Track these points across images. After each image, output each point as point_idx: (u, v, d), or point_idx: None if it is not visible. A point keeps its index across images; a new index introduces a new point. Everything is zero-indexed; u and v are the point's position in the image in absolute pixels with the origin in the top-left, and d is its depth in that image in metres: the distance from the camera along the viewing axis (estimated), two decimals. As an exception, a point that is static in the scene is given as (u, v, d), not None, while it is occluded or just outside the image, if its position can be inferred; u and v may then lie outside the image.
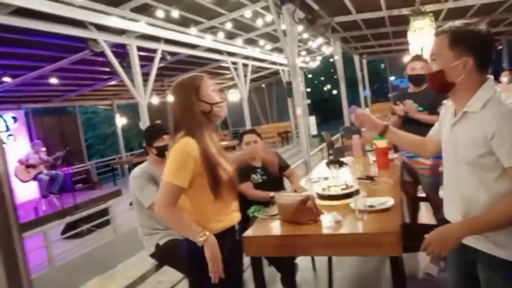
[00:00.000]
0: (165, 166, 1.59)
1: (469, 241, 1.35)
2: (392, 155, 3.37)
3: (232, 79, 12.15)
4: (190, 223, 1.59)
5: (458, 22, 1.33)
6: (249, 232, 2.02)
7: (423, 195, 3.33)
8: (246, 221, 2.92)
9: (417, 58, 3.35)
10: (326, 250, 1.90)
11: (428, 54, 1.44)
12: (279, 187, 3.09)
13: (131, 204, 3.54)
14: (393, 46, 12.14)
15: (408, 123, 3.15)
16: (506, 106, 1.23)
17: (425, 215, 3.64)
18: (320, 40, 9.64)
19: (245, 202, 2.95)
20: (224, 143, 12.52)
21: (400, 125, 3.24)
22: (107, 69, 7.38)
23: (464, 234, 1.31)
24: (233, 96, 14.08)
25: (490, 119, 1.24)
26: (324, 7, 6.55)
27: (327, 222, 1.98)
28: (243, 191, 2.95)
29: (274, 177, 3.07)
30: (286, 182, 3.38)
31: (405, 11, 6.78)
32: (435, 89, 1.43)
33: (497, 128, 1.21)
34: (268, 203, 2.89)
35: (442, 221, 2.80)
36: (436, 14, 6.64)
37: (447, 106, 1.53)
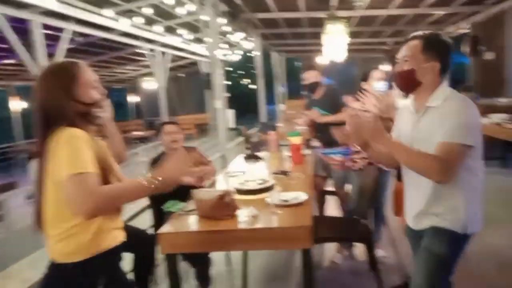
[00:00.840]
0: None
1: (418, 225, 1.64)
2: (305, 151, 3.54)
3: (148, 66, 11.63)
4: (128, 185, 1.42)
5: (428, 32, 1.58)
6: (164, 229, 1.95)
7: (331, 189, 3.56)
8: (161, 217, 2.84)
9: (310, 67, 3.57)
10: (243, 245, 1.92)
11: (399, 55, 1.61)
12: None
13: (29, 197, 3.20)
14: (310, 46, 12.74)
15: (321, 128, 3.37)
16: (461, 99, 1.50)
17: (332, 208, 3.89)
18: (241, 34, 9.70)
19: (159, 198, 2.86)
20: (138, 133, 12.02)
21: (315, 133, 3.43)
22: (4, 46, 6.52)
23: (385, 140, 1.53)
24: (149, 84, 13.53)
25: (448, 110, 1.47)
26: (247, 2, 6.59)
27: (243, 217, 2.00)
28: None
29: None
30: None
31: (321, 14, 7.13)
32: (404, 86, 1.63)
33: (447, 113, 1.46)
34: (184, 197, 2.84)
35: (348, 213, 3.03)
36: (347, 19, 7.11)
37: (401, 108, 1.77)
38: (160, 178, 1.39)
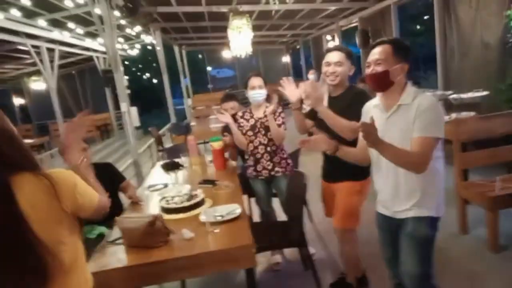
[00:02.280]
0: None
1: (398, 215, 1.79)
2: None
3: (33, 64, 10.28)
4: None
5: (394, 38, 1.80)
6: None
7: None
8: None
9: (228, 98, 3.47)
10: (181, 273, 1.78)
11: (371, 59, 1.73)
12: (114, 202, 2.75)
13: None
14: (211, 39, 12.62)
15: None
16: (428, 97, 1.67)
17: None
18: (139, 27, 9.11)
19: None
20: (29, 140, 10.55)
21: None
22: None
23: (381, 143, 1.59)
24: (37, 84, 12.02)
25: (418, 106, 1.63)
26: (145, -5, 6.19)
27: (178, 241, 1.86)
28: None
29: (108, 192, 2.70)
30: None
31: (223, 9, 7.05)
32: (378, 86, 1.75)
33: (421, 111, 1.62)
34: (105, 221, 2.55)
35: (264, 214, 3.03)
36: (250, 14, 7.16)
37: (368, 107, 1.88)
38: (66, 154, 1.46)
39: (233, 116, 3.06)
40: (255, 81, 2.90)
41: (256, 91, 2.88)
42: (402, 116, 1.70)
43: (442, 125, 1.66)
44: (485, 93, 4.10)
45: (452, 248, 2.97)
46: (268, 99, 3.00)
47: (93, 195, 1.30)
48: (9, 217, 1.06)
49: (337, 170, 2.32)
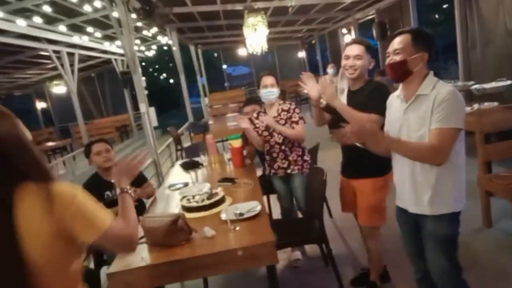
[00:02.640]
0: None
1: (416, 210, 1.76)
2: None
3: (55, 69, 10.55)
4: (122, 205, 1.35)
5: (414, 27, 1.69)
6: (113, 268, 1.76)
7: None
8: (99, 251, 2.58)
9: (250, 102, 3.51)
10: (203, 271, 1.81)
11: (391, 49, 1.72)
12: (140, 204, 2.82)
13: None
14: (227, 37, 12.63)
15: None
16: (447, 87, 1.62)
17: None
18: (155, 29, 9.22)
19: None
20: (51, 143, 10.87)
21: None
22: None
23: (384, 140, 1.66)
24: (58, 88, 12.35)
25: (436, 96, 1.59)
26: (161, -3, 6.26)
27: (200, 239, 1.89)
28: None
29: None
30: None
31: (238, 7, 7.06)
32: (396, 76, 1.72)
33: (439, 101, 1.58)
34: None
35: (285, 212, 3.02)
36: (265, 10, 7.14)
37: (391, 98, 1.87)
38: (121, 179, 1.45)
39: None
40: (267, 80, 2.91)
41: (268, 90, 2.89)
42: (420, 107, 1.66)
43: (462, 115, 1.61)
44: (509, 82, 3.98)
45: (477, 242, 2.91)
46: (281, 97, 3.01)
47: (99, 218, 1.13)
48: (1, 228, 1.00)
49: (358, 166, 2.30)
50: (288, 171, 2.92)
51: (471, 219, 3.15)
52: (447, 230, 1.71)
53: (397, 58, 1.68)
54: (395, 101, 1.84)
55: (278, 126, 2.87)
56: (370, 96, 2.16)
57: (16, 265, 1.00)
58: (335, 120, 2.26)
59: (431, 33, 1.71)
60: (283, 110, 2.92)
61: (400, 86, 1.80)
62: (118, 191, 1.40)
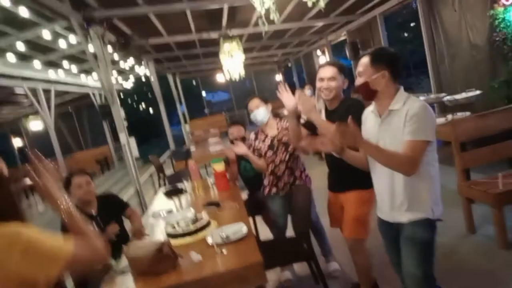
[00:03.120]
0: None
1: (395, 218, 1.82)
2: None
3: (31, 106, 10.40)
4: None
5: (375, 48, 1.83)
6: (98, 300, 1.70)
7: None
8: (83, 279, 2.49)
9: (234, 123, 3.59)
10: (192, 297, 1.76)
11: (356, 72, 1.82)
12: (121, 231, 2.75)
13: None
14: (204, 65, 12.80)
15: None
16: (417, 102, 1.70)
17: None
18: (132, 60, 9.27)
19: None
20: (29, 181, 10.56)
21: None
22: None
23: (363, 143, 1.70)
24: (35, 125, 12.14)
25: (408, 110, 1.67)
26: (136, 30, 6.32)
27: (187, 265, 1.85)
28: None
29: (113, 222, 2.71)
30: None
31: (213, 35, 7.20)
32: (364, 96, 1.83)
33: (410, 115, 1.65)
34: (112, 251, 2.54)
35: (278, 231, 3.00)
36: (240, 37, 7.30)
37: (366, 113, 1.94)
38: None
39: (242, 140, 3.21)
40: (252, 104, 2.98)
41: (255, 112, 2.94)
42: (393, 121, 1.74)
43: (432, 128, 1.68)
44: (478, 92, 4.15)
45: (462, 248, 2.95)
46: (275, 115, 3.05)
47: (56, 249, 1.03)
48: None
49: (345, 179, 2.33)
50: (293, 186, 2.91)
51: (455, 226, 3.21)
52: (423, 235, 1.75)
53: (360, 80, 1.80)
54: (370, 116, 1.91)
55: (251, 156, 2.99)
56: (347, 114, 2.21)
57: None
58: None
59: (391, 51, 1.82)
60: (283, 128, 2.92)
61: (373, 102, 1.87)
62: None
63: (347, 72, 2.40)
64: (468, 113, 3.91)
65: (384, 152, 1.69)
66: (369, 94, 1.80)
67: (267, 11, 2.95)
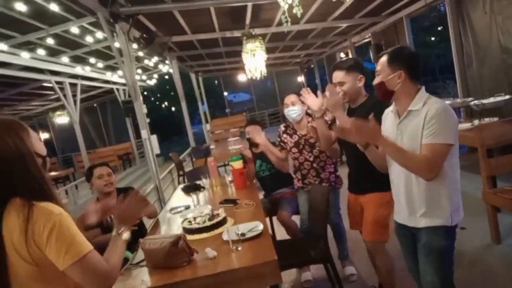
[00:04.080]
0: None
1: (412, 223, 1.76)
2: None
3: (57, 100, 10.71)
4: (111, 246, 1.30)
5: (395, 47, 1.77)
6: (113, 291, 1.71)
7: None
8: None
9: (251, 122, 3.64)
10: (206, 292, 1.76)
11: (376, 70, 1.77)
12: (138, 226, 2.78)
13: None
14: (226, 64, 12.85)
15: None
16: (437, 104, 1.63)
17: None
18: (156, 58, 9.42)
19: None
20: (54, 173, 10.88)
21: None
22: None
23: (382, 140, 1.65)
24: (61, 118, 12.49)
25: (427, 112, 1.62)
26: (160, 27, 6.41)
27: (202, 260, 1.85)
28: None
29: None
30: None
31: (236, 33, 7.21)
32: (381, 96, 1.79)
33: (430, 117, 1.60)
34: (129, 245, 2.57)
35: (304, 233, 2.97)
36: (262, 36, 7.29)
37: (386, 113, 1.90)
38: (121, 224, 1.38)
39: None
40: (288, 98, 2.92)
41: (290, 108, 2.89)
42: (412, 122, 1.69)
43: (453, 131, 1.62)
44: (507, 97, 3.99)
45: (486, 258, 2.84)
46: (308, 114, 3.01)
47: (77, 244, 1.09)
48: None
49: (365, 180, 2.28)
50: (322, 184, 2.89)
51: (479, 235, 3.10)
52: (441, 243, 1.69)
53: (377, 80, 1.77)
54: (389, 116, 1.87)
55: (270, 147, 3.00)
56: (370, 111, 2.16)
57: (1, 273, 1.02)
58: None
59: (410, 51, 1.78)
60: (311, 127, 2.83)
61: (393, 101, 1.83)
62: (114, 232, 1.37)
63: (360, 68, 2.29)
64: (496, 119, 3.76)
65: (404, 152, 1.63)
66: (386, 94, 1.77)
67: (291, 7, 2.93)
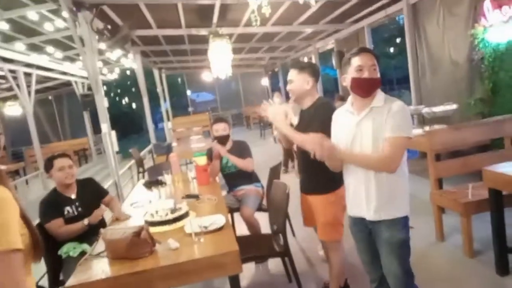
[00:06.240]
0: None
1: (371, 216, 1.82)
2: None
3: (9, 89, 10.14)
4: None
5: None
6: (72, 281, 1.70)
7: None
8: (58, 265, 2.47)
9: (220, 120, 3.60)
10: (167, 282, 1.77)
11: (367, 65, 1.76)
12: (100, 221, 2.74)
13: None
14: (191, 62, 12.74)
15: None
16: (398, 101, 1.78)
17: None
18: (119, 52, 9.15)
19: (55, 242, 2.49)
20: (2, 167, 10.21)
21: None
22: None
23: (343, 154, 1.80)
24: (12, 110, 11.80)
25: (390, 108, 1.73)
26: (125, 19, 6.27)
27: (163, 251, 1.87)
28: (51, 232, 2.49)
29: (92, 207, 2.69)
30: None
31: (203, 31, 7.20)
32: (370, 91, 1.79)
33: (392, 113, 1.72)
34: (83, 238, 2.52)
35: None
36: (229, 36, 7.33)
37: (338, 113, 1.96)
38: None
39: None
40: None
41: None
42: (374, 118, 1.78)
43: (411, 126, 1.79)
44: (455, 106, 4.30)
45: (431, 255, 3.06)
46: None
47: (9, 235, 0.98)
48: None
49: (309, 181, 2.40)
50: None
51: (425, 234, 3.32)
52: (401, 234, 1.80)
53: (377, 75, 1.79)
54: (343, 115, 1.93)
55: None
56: (314, 114, 2.28)
57: None
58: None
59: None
60: None
61: (349, 101, 1.90)
62: None
63: (315, 72, 2.38)
64: (444, 126, 4.05)
65: (363, 156, 1.75)
66: (374, 90, 1.80)
67: (259, 7, 3.00)
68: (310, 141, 1.79)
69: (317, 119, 2.19)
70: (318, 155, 1.75)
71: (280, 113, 2.26)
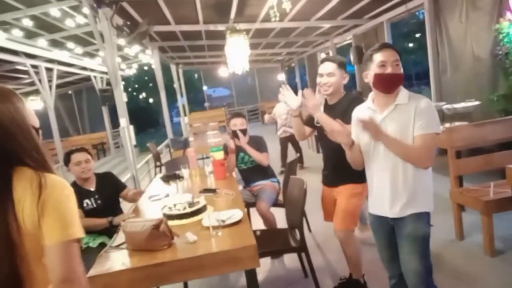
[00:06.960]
0: None
1: (396, 214, 1.81)
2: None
3: (31, 84, 10.39)
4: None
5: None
6: (92, 271, 1.74)
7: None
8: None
9: (238, 115, 3.61)
10: (185, 275, 1.80)
11: (389, 61, 1.74)
12: (116, 210, 2.80)
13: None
14: (208, 58, 12.80)
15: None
16: (424, 98, 1.77)
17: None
18: (137, 47, 9.26)
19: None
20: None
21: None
22: None
23: (384, 136, 1.76)
24: (34, 104, 12.09)
25: (415, 106, 1.72)
26: (143, 15, 6.33)
27: (182, 244, 1.89)
28: None
29: (110, 200, 2.75)
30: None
31: (220, 27, 7.22)
32: (393, 86, 1.77)
33: (420, 111, 1.71)
34: (104, 230, 2.58)
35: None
36: (246, 32, 7.33)
37: (359, 110, 1.94)
38: None
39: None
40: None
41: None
42: (399, 115, 1.77)
43: (439, 121, 1.79)
44: (477, 103, 4.21)
45: (450, 253, 3.01)
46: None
47: (73, 226, 1.02)
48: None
49: (339, 174, 2.39)
50: None
51: (444, 232, 3.27)
52: (425, 229, 1.80)
53: (400, 70, 1.76)
54: (365, 113, 1.90)
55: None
56: (348, 108, 2.25)
57: (9, 244, 0.98)
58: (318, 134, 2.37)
59: None
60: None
61: (370, 98, 1.89)
62: None
63: (345, 66, 2.42)
64: (465, 123, 3.96)
65: (404, 145, 1.74)
66: (397, 86, 1.78)
67: (280, 2, 2.98)
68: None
69: (350, 114, 2.14)
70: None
71: (317, 100, 2.28)
